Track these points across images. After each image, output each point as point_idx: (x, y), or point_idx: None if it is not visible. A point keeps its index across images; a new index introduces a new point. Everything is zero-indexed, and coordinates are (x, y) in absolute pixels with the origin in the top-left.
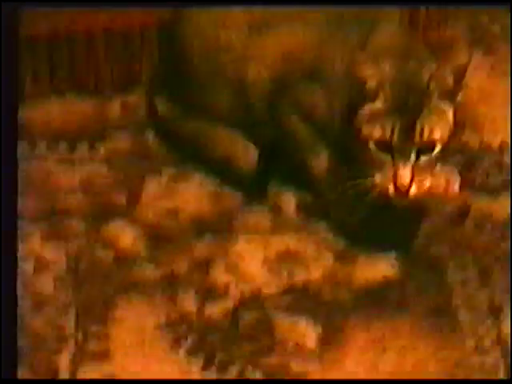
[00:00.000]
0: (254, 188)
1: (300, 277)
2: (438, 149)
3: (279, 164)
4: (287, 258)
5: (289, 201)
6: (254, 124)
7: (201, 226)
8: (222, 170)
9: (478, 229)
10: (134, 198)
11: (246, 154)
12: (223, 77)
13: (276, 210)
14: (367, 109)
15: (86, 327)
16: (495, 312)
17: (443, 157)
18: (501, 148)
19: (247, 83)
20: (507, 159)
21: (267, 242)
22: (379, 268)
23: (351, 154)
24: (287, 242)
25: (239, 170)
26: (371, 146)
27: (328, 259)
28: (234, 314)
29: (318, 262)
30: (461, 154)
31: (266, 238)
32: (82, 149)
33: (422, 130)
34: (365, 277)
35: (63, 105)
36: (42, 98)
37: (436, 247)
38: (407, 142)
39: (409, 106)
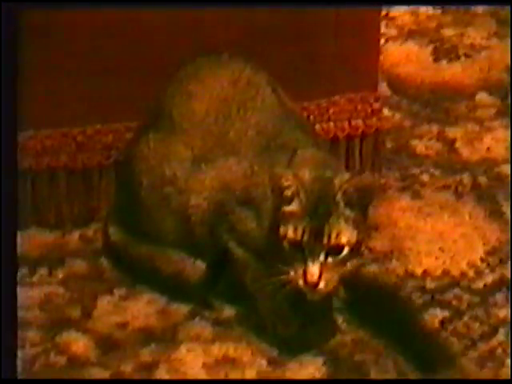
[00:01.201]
0: (201, 299)
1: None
2: (345, 251)
3: (223, 277)
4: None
5: (229, 313)
6: (197, 245)
7: (147, 337)
8: (171, 286)
9: None
10: (87, 313)
11: (194, 269)
12: (168, 207)
13: (217, 322)
14: (284, 211)
15: None
16: None
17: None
18: (423, 275)
19: (189, 212)
20: (428, 284)
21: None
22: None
23: (273, 255)
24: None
25: (187, 284)
26: (285, 244)
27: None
28: None
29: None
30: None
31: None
32: (42, 273)
33: (330, 233)
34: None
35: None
36: None
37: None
38: (316, 243)
39: (319, 211)
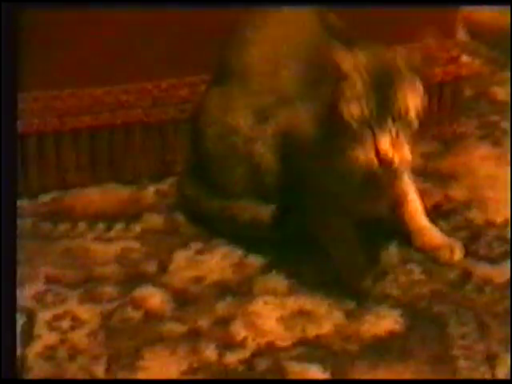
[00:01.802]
0: (276, 249)
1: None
2: (412, 115)
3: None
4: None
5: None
6: (267, 193)
7: (223, 290)
8: (248, 234)
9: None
10: (163, 267)
11: (267, 212)
12: (236, 156)
13: (293, 275)
14: (346, 92)
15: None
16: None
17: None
18: (504, 224)
19: (257, 160)
20: (508, 233)
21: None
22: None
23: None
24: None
25: (263, 228)
26: (351, 122)
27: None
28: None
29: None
30: (466, 230)
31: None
32: (118, 228)
33: (396, 98)
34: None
35: (103, 193)
36: (83, 188)
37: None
38: (383, 112)
39: (381, 81)
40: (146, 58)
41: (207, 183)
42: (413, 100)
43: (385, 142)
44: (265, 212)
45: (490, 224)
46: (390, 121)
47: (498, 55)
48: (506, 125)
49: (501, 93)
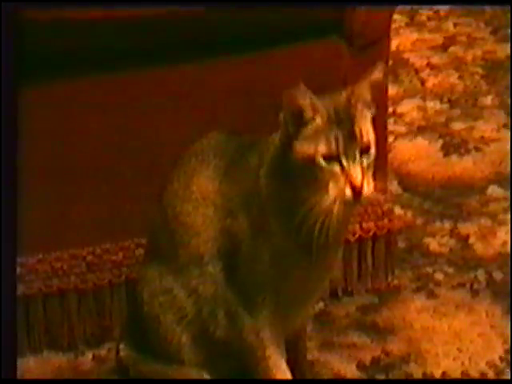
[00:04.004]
0: None
1: None
2: (372, 150)
3: None
4: None
5: None
6: (213, 361)
7: None
8: None
9: None
10: None
11: None
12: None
13: None
14: (308, 131)
15: None
16: None
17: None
18: (442, 378)
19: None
20: None
21: None
22: None
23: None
24: None
25: None
26: (319, 161)
27: None
28: None
29: None
30: None
31: None
32: None
33: (361, 132)
34: None
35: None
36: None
37: None
38: (351, 145)
39: (343, 118)
40: (77, 223)
41: (147, 347)
42: (371, 136)
43: (356, 171)
44: None
45: (428, 378)
46: (356, 151)
47: (430, 206)
48: (439, 276)
49: (434, 244)
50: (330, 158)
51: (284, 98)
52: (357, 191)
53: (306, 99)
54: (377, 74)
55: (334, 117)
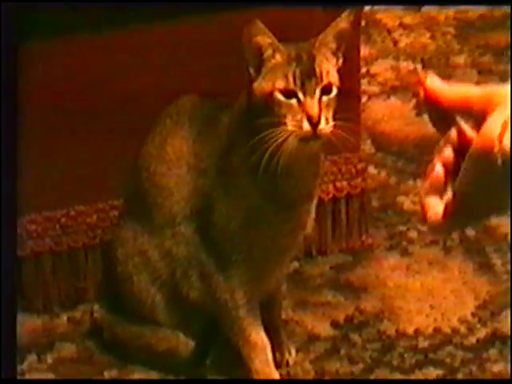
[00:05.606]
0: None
1: None
2: (334, 91)
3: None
4: None
5: None
6: (186, 321)
7: None
8: (163, 363)
9: None
10: None
11: (186, 346)
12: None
13: None
14: (268, 66)
15: None
16: None
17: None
18: (415, 334)
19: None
20: (420, 343)
21: None
22: None
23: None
24: None
25: (180, 360)
26: (276, 95)
27: None
28: None
29: None
30: (378, 342)
31: None
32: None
33: (321, 72)
34: None
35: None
36: None
37: None
38: (310, 82)
39: (303, 58)
40: (53, 186)
41: (122, 309)
42: (334, 77)
43: (312, 104)
44: (184, 347)
45: (401, 335)
46: (316, 89)
47: (403, 165)
48: (413, 234)
49: (407, 202)
50: (287, 93)
51: (243, 38)
52: (313, 122)
53: (264, 37)
54: (343, 24)
55: (294, 55)
